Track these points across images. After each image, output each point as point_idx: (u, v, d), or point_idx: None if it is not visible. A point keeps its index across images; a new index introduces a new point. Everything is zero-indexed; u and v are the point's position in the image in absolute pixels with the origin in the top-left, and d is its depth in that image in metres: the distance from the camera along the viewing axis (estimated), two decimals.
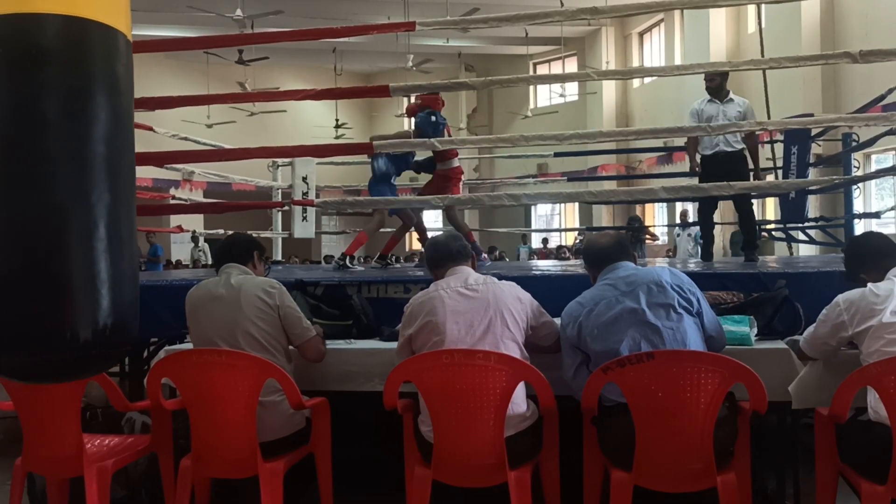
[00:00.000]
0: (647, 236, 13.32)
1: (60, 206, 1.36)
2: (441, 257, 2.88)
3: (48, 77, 1.37)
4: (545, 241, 18.88)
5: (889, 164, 11.55)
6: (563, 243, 18.24)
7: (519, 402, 2.58)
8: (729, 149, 5.32)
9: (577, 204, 19.57)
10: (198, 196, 16.06)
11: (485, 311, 2.66)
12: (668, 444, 2.37)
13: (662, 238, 16.37)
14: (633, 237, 12.39)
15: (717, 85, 5.40)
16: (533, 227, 21.49)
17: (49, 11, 1.35)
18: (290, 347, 2.97)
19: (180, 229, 7.86)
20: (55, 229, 1.37)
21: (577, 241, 15.86)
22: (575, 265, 5.93)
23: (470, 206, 16.25)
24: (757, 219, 13.22)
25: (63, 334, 1.38)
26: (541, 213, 22.81)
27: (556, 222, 21.99)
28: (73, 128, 1.38)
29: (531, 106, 22.13)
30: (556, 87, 20.85)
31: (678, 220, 14.20)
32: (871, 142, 7.55)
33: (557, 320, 2.83)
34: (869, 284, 2.49)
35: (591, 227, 14.80)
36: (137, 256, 1.60)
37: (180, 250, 17.55)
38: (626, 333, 2.54)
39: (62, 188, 1.37)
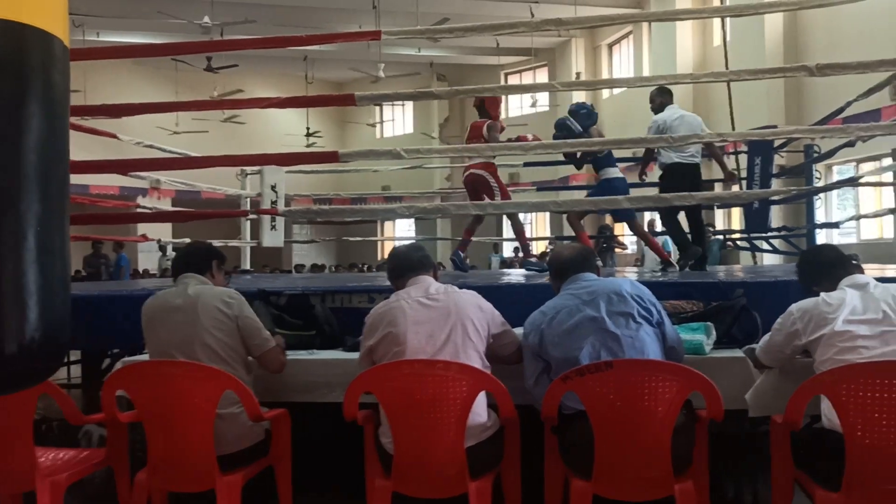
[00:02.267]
0: (617, 245, 13.45)
1: None
2: (402, 267, 2.88)
3: None
4: (516, 250, 18.91)
5: (850, 174, 11.78)
6: (534, 252, 18.29)
7: (480, 411, 2.57)
8: (685, 161, 5.48)
9: (548, 213, 19.66)
10: (166, 204, 15.93)
11: (445, 321, 2.65)
12: (626, 453, 2.38)
13: (631, 247, 16.49)
14: (603, 246, 12.50)
15: (657, 105, 5.67)
16: (504, 236, 21.53)
17: None
18: (250, 358, 2.94)
19: (145, 238, 7.78)
20: None
21: (549, 250, 15.91)
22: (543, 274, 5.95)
23: (440, 216, 16.33)
24: (722, 228, 13.44)
25: None
26: None
27: (527, 232, 21.98)
28: (4, 134, 1.33)
29: (502, 116, 22.20)
30: (527, 97, 20.96)
31: (645, 230, 14.29)
32: (831, 153, 7.70)
33: (520, 329, 2.84)
34: (822, 294, 2.53)
35: (561, 237, 14.87)
36: (70, 268, 1.56)
37: (148, 259, 17.36)
38: (586, 341, 2.57)
39: None
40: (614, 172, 5.77)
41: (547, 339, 2.64)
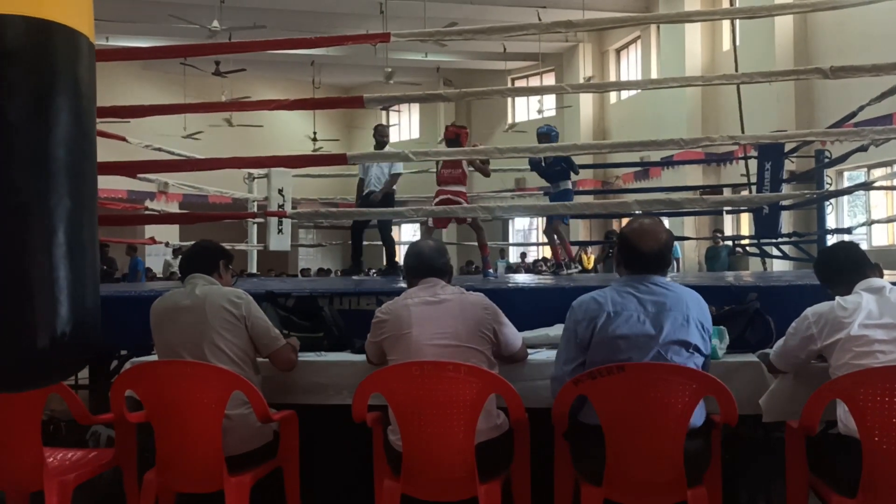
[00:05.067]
0: None
1: (19, 209, 1.31)
2: (421, 268, 2.84)
3: (10, 78, 1.32)
4: (523, 255, 18.91)
5: (861, 180, 11.72)
6: (540, 257, 18.27)
7: (489, 415, 2.55)
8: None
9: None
10: (173, 208, 15.94)
11: (452, 322, 2.64)
12: (638, 458, 2.35)
13: None
14: (609, 252, 12.46)
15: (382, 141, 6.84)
16: (511, 241, 21.52)
17: (11, 12, 1.30)
18: (259, 359, 2.92)
19: (153, 241, 7.78)
20: (13, 233, 1.31)
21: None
22: (548, 279, 5.93)
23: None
24: (732, 234, 13.36)
25: (20, 341, 1.32)
26: (518, 228, 22.88)
27: (533, 237, 22.02)
28: (33, 130, 1.33)
29: (509, 121, 22.23)
30: (534, 102, 20.94)
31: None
32: (843, 158, 7.64)
33: (522, 333, 2.85)
34: (837, 298, 2.49)
35: (572, 243, 14.85)
36: (99, 263, 1.55)
37: (154, 262, 17.37)
38: (632, 354, 2.42)
39: (21, 191, 1.31)
40: (569, 185, 6.78)
41: (599, 334, 2.47)
